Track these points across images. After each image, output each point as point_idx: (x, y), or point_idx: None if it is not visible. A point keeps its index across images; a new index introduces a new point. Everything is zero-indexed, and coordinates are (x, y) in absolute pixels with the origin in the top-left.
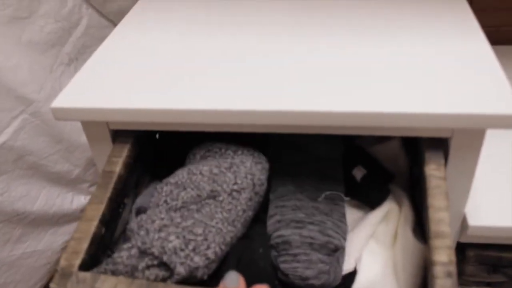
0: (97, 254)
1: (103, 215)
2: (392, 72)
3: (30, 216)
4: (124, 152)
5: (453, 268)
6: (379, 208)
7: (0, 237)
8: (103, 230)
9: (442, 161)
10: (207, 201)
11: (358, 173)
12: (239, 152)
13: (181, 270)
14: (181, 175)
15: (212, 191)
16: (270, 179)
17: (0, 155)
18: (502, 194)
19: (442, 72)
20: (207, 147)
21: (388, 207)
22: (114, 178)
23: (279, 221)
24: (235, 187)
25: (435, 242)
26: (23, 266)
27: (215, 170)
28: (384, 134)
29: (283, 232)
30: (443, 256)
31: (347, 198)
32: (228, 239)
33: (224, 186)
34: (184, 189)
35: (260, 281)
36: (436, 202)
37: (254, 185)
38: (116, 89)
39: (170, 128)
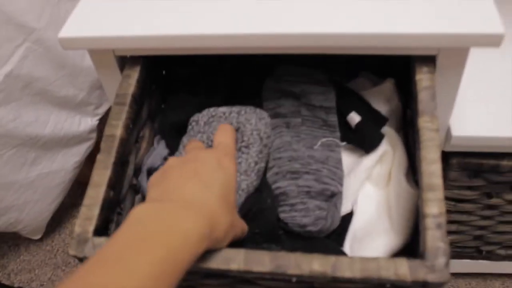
0: (108, 215)
1: (110, 179)
2: None
3: (42, 140)
4: (123, 113)
5: (443, 220)
6: (374, 152)
7: (16, 160)
8: (111, 193)
9: (433, 91)
10: None
11: (353, 119)
12: (243, 112)
13: None
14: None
15: None
16: None
17: (8, 83)
18: (483, 107)
19: None
20: (210, 113)
21: (382, 150)
22: (116, 142)
23: (276, 173)
24: (243, 144)
25: (427, 195)
26: (40, 187)
27: None
28: (374, 53)
29: (280, 184)
30: (434, 208)
31: (342, 143)
32: (243, 186)
33: None
34: None
35: (267, 230)
36: (429, 155)
37: (261, 138)
38: (120, 16)
39: (177, 53)
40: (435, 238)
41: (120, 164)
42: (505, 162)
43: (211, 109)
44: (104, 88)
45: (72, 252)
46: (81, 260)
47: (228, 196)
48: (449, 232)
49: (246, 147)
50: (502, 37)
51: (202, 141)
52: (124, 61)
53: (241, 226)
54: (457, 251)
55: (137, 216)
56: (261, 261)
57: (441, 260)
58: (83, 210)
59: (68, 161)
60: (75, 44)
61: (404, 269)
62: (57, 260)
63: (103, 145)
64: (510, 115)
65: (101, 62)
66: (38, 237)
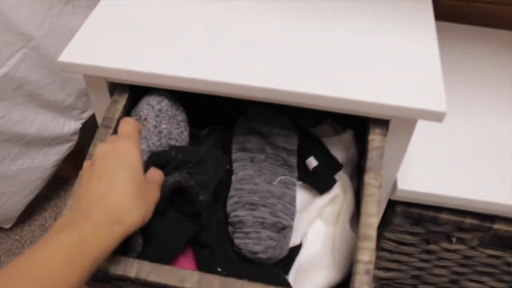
0: None
1: None
2: (346, 57)
3: (26, 137)
4: (107, 136)
5: (371, 267)
6: (326, 194)
7: (0, 154)
8: None
9: (382, 151)
10: None
11: (310, 163)
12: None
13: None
14: None
15: None
16: (232, 163)
17: (2, 83)
18: (427, 166)
19: (388, 63)
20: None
21: (334, 193)
22: (113, 124)
23: (236, 203)
24: (142, 118)
25: (362, 244)
26: (18, 180)
27: None
28: (335, 111)
29: (238, 212)
30: (366, 256)
31: (299, 183)
32: (143, 147)
33: None
34: None
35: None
36: (368, 209)
37: (153, 107)
38: (115, 48)
39: (162, 87)
40: (362, 283)
41: None
42: (443, 215)
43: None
44: (94, 107)
45: None
46: None
47: (134, 179)
48: (390, 269)
49: (145, 119)
50: (444, 114)
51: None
52: (114, 86)
53: (154, 197)
54: (396, 287)
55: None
56: (212, 284)
57: None
58: None
59: (48, 159)
60: (72, 69)
61: None
62: (24, 250)
63: (86, 162)
64: (450, 175)
65: (94, 86)
66: (8, 226)
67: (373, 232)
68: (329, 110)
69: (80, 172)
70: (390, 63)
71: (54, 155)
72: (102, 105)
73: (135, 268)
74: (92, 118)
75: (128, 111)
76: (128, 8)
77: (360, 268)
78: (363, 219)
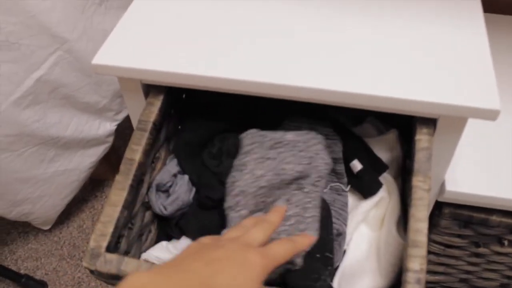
0: (120, 231)
1: (126, 200)
2: (389, 52)
3: (62, 140)
4: (143, 139)
5: (423, 276)
6: (371, 198)
7: (36, 157)
8: (125, 213)
9: (430, 157)
10: None
11: (355, 166)
12: (311, 142)
13: None
14: None
15: None
16: None
17: (37, 87)
18: (476, 167)
19: (435, 59)
20: (258, 136)
21: (379, 196)
22: (135, 165)
23: None
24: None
25: (411, 251)
26: (55, 182)
27: None
28: (380, 110)
29: None
30: (416, 264)
31: (348, 188)
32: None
33: None
34: None
35: None
36: (417, 213)
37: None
38: (149, 49)
39: (197, 88)
40: None
41: (136, 185)
42: (493, 218)
43: (253, 131)
44: (128, 110)
45: (85, 264)
46: (92, 272)
47: None
48: (437, 273)
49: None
50: (498, 112)
51: (268, 168)
52: (149, 88)
53: None
54: None
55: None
56: None
57: None
58: (99, 226)
59: (84, 161)
60: (106, 71)
61: None
62: (63, 251)
63: (122, 167)
64: (501, 176)
65: (128, 88)
66: (47, 227)
67: (423, 239)
68: (373, 110)
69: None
70: (436, 57)
71: (90, 157)
72: (137, 107)
73: None
74: (127, 119)
75: (163, 113)
76: (161, 8)
77: (410, 277)
78: (412, 224)
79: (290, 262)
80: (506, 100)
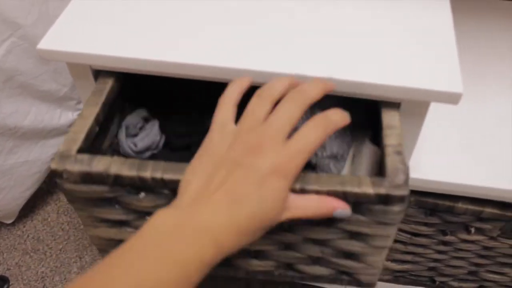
0: (90, 149)
1: (98, 115)
2: (350, 36)
3: (20, 130)
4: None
5: (401, 149)
6: None
7: None
8: (96, 129)
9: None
10: None
11: None
12: None
13: None
14: None
15: None
16: None
17: None
18: (441, 152)
19: (396, 41)
20: None
21: None
22: (107, 88)
23: None
24: None
25: (387, 131)
26: (15, 174)
27: None
28: (338, 95)
29: None
30: (394, 140)
31: None
32: None
33: None
34: None
35: None
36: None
37: None
38: (97, 34)
39: (150, 73)
40: (394, 161)
41: (108, 110)
42: (459, 205)
43: None
44: (80, 97)
45: (53, 165)
46: (61, 175)
47: (252, 228)
48: (404, 262)
49: None
50: (460, 96)
51: None
52: (100, 74)
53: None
54: (412, 279)
55: (156, 225)
56: None
57: (401, 177)
58: (69, 135)
59: (46, 152)
60: (53, 56)
61: (367, 184)
62: (26, 245)
63: (93, 91)
64: (467, 162)
65: (78, 74)
66: (10, 221)
67: (397, 123)
68: (334, 94)
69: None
70: (398, 39)
71: (52, 148)
72: (89, 93)
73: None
74: None
75: (112, 101)
76: None
77: (390, 150)
78: (385, 117)
79: None
80: (470, 82)
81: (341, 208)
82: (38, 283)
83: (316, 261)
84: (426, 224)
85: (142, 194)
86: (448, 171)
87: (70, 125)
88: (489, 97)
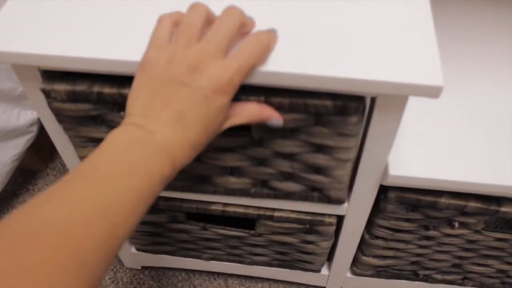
0: None
1: None
2: (318, 28)
3: None
4: None
5: None
6: None
7: None
8: None
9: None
10: None
11: None
12: None
13: None
14: None
15: None
16: None
17: None
18: (422, 147)
19: (371, 32)
20: None
21: None
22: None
23: None
24: None
25: None
26: None
27: None
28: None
29: None
30: None
31: None
32: None
33: None
34: None
35: None
36: None
37: None
38: (44, 31)
39: (100, 72)
40: None
41: None
42: (442, 200)
43: None
44: (30, 100)
45: (42, 86)
46: (49, 94)
47: (201, 142)
48: (386, 257)
49: None
50: (441, 89)
51: None
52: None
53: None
54: (394, 273)
55: (115, 141)
56: None
57: None
58: None
59: (6, 153)
60: None
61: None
62: None
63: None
64: (449, 156)
65: (24, 76)
66: None
67: None
68: (305, 90)
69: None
70: (373, 30)
71: (12, 149)
72: (38, 97)
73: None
74: None
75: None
76: None
77: None
78: None
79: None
80: (450, 75)
81: (275, 118)
82: None
83: (288, 177)
84: (408, 220)
85: (123, 113)
86: (430, 167)
87: (31, 124)
88: (470, 90)
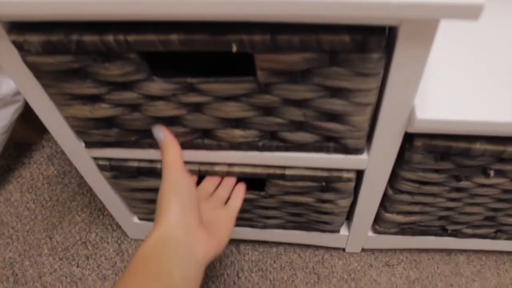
0: None
1: None
2: None
3: None
4: None
5: None
6: None
7: None
8: None
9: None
10: None
11: None
12: None
13: None
14: None
15: None
16: None
17: None
18: (452, 87)
19: None
20: None
21: None
22: None
23: None
24: None
25: None
26: None
27: None
28: (330, 22)
29: None
30: None
31: None
32: None
33: None
34: None
35: None
36: None
37: None
38: None
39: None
40: None
41: None
42: (477, 146)
43: None
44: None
45: (12, 38)
46: (22, 47)
47: (221, 245)
48: (412, 213)
49: None
50: (481, 8)
51: None
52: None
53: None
54: (420, 229)
55: (156, 247)
56: None
57: None
58: None
59: None
60: None
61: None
62: None
63: None
64: (485, 95)
65: None
66: None
67: None
68: (317, 24)
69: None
70: None
71: None
72: (6, 52)
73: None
74: None
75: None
76: None
77: None
78: None
79: None
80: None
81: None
82: (7, 270)
83: (299, 126)
84: (436, 171)
85: (108, 64)
86: (463, 108)
87: (16, 93)
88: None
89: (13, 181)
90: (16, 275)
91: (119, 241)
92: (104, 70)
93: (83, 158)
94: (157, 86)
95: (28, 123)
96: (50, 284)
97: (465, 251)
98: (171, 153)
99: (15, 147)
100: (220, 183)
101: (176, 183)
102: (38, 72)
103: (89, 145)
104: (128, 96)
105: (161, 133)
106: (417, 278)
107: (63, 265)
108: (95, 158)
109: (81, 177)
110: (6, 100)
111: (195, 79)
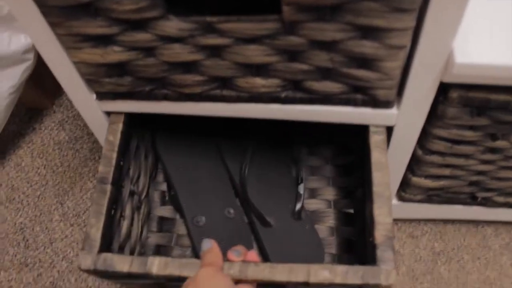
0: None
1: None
2: None
3: None
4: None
5: None
6: None
7: None
8: None
9: None
10: None
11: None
12: None
13: None
14: None
15: None
16: None
17: None
18: (497, 28)
19: None
20: None
21: None
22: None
23: None
24: None
25: None
26: None
27: None
28: None
29: None
30: None
31: None
32: None
33: None
34: None
35: None
36: None
37: None
38: None
39: None
40: None
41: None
42: None
43: None
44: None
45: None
46: None
47: None
48: (441, 177)
49: None
50: None
51: None
52: None
53: None
54: (448, 197)
55: None
56: None
57: None
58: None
59: (1, 85)
60: None
61: None
62: (0, 195)
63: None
64: None
65: None
66: None
67: None
68: None
69: None
70: None
71: (7, 80)
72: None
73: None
74: None
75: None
76: None
77: None
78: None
79: None
80: None
81: None
82: (17, 235)
83: (326, 74)
84: (471, 128)
85: None
86: (506, 54)
87: (25, 51)
88: None
89: (24, 146)
90: (27, 240)
91: None
92: (116, 5)
93: (94, 113)
94: (173, 25)
95: (38, 86)
96: (61, 250)
97: (492, 222)
98: (214, 253)
99: (26, 112)
100: None
101: (213, 278)
102: (45, 8)
103: (101, 96)
104: (141, 37)
105: (210, 243)
106: (442, 250)
107: (74, 231)
108: (107, 113)
109: (93, 143)
110: (15, 58)
111: (215, 17)
